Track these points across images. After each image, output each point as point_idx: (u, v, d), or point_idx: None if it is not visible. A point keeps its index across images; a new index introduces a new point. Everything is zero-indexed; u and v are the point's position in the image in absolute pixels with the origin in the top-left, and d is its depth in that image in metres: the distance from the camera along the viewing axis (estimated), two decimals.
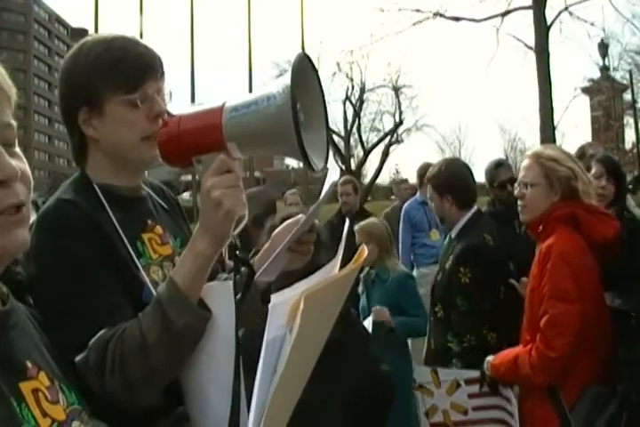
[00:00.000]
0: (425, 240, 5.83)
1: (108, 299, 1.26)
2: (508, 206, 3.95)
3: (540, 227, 2.51)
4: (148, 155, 1.34)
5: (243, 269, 1.32)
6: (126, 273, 1.32)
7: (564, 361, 2.30)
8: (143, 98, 1.36)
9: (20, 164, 0.85)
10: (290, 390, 0.97)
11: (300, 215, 1.46)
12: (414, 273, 5.39)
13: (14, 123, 0.87)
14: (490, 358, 2.60)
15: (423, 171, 5.94)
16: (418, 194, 6.06)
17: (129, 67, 1.35)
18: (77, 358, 1.18)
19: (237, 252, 1.32)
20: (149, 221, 1.45)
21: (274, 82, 1.15)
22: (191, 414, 1.28)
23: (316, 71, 1.19)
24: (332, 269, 1.22)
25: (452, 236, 3.28)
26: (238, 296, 1.24)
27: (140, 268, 1.35)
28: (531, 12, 11.67)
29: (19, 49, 73.46)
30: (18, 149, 0.88)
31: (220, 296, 1.23)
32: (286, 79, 1.11)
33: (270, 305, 0.99)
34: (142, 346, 1.18)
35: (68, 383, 0.99)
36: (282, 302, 1.01)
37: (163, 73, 1.42)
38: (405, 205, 6.16)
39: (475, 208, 3.33)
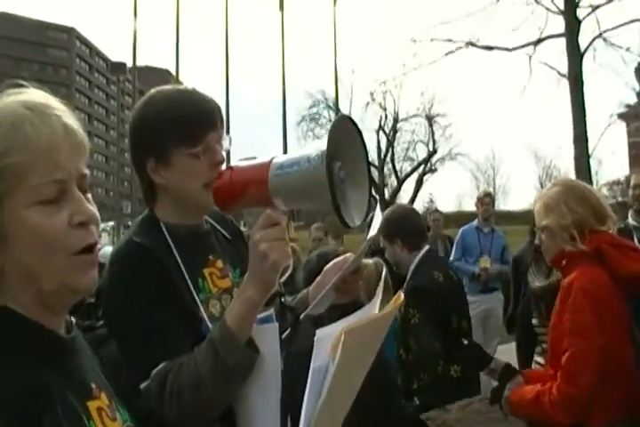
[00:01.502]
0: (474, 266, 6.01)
1: (169, 337, 1.40)
2: None
3: (564, 262, 2.47)
4: (209, 199, 1.43)
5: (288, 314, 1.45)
6: (187, 309, 1.46)
7: (586, 399, 2.25)
8: (205, 150, 1.48)
9: (93, 208, 0.97)
10: (332, 415, 1.06)
11: (349, 254, 1.57)
12: None
13: (88, 172, 0.98)
14: (507, 392, 2.54)
15: (481, 198, 6.39)
16: (476, 220, 6.37)
17: (191, 122, 1.48)
18: (142, 386, 1.33)
19: (282, 299, 1.45)
20: (211, 257, 1.58)
21: (313, 143, 1.27)
22: None
23: (358, 130, 1.28)
24: (372, 308, 1.31)
25: (407, 279, 3.34)
26: (284, 336, 1.38)
27: (200, 305, 1.48)
28: (563, 39, 11.64)
29: (61, 83, 75.80)
30: (90, 196, 0.99)
31: (267, 337, 1.37)
32: (323, 143, 1.20)
33: (316, 338, 1.08)
34: (196, 379, 1.31)
35: (121, 403, 1.09)
36: (327, 336, 1.09)
37: (222, 122, 1.55)
38: (462, 228, 6.47)
39: (425, 248, 3.41)
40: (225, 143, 1.54)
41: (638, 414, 2.29)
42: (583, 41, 11.64)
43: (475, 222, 6.36)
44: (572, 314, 2.33)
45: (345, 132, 1.26)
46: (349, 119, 1.28)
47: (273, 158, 1.29)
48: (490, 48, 13.77)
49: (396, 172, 31.81)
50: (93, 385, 1.00)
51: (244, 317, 1.32)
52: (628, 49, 13.19)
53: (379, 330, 1.19)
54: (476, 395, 3.20)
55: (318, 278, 1.63)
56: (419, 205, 34.18)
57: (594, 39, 12.13)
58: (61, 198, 0.92)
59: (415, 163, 31.90)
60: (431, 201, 35.66)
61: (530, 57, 13.60)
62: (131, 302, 1.41)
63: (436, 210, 7.95)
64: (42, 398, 0.87)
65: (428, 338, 3.01)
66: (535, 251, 3.45)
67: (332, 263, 1.61)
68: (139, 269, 1.43)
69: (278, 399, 1.31)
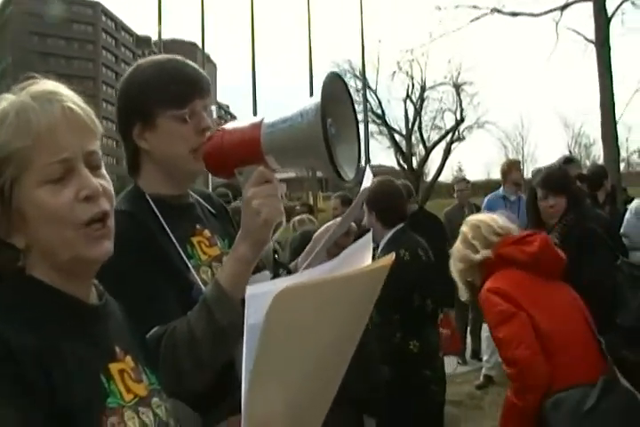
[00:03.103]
0: None
1: (159, 300, 1.40)
2: None
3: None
4: (195, 166, 1.46)
5: (282, 271, 1.44)
6: (178, 274, 1.46)
7: (535, 364, 2.39)
8: (191, 114, 1.49)
9: (104, 182, 1.05)
10: (274, 379, 0.95)
11: (338, 218, 1.54)
12: None
13: (99, 150, 1.06)
14: None
15: (505, 168, 6.29)
16: (501, 189, 6.27)
17: (179, 86, 1.50)
18: None
19: (276, 255, 1.45)
20: (198, 226, 1.58)
21: (306, 100, 1.25)
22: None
23: (346, 86, 1.30)
24: (340, 266, 1.17)
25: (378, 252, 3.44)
26: None
27: (192, 268, 1.48)
28: (590, 4, 11.40)
29: (88, 58, 76.06)
30: (103, 171, 1.06)
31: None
32: (317, 97, 1.20)
33: (247, 295, 0.98)
34: (190, 341, 1.31)
35: (150, 367, 1.15)
36: (263, 293, 0.95)
37: (209, 92, 1.56)
38: (487, 197, 6.40)
39: (399, 226, 3.52)
40: (213, 114, 1.55)
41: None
42: (611, 5, 11.40)
43: (500, 191, 6.28)
44: (487, 313, 2.60)
45: (335, 89, 1.27)
46: (339, 77, 1.29)
47: (264, 118, 1.30)
48: (515, 14, 13.50)
49: (423, 140, 31.53)
50: (117, 349, 1.07)
51: (237, 275, 1.32)
52: None
53: (352, 291, 1.01)
54: (437, 372, 3.45)
55: (309, 245, 1.61)
56: (447, 174, 33.98)
57: (622, 2, 11.84)
58: (68, 176, 1.00)
59: (443, 131, 31.54)
60: (460, 170, 35.39)
61: (556, 22, 13.35)
62: (120, 270, 1.35)
63: (463, 179, 7.83)
64: (53, 355, 0.93)
65: (384, 310, 3.09)
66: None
67: (323, 227, 1.59)
68: (125, 236, 1.36)
69: None
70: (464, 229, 2.82)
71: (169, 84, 1.50)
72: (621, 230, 4.30)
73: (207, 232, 1.59)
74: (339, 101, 1.29)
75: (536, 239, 2.68)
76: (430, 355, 3.41)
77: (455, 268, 2.80)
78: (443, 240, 5.20)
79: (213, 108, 1.58)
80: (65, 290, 1.03)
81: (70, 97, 1.03)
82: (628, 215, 4.42)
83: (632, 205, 4.49)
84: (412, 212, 5.50)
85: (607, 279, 3.23)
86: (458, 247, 2.80)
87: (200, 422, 1.32)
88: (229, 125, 1.39)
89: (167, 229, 1.49)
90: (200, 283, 1.46)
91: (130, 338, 1.15)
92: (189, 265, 1.48)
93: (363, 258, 1.18)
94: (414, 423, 3.26)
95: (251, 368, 0.90)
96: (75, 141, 1.01)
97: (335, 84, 1.28)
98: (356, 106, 1.25)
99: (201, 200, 1.69)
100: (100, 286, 1.14)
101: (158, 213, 1.50)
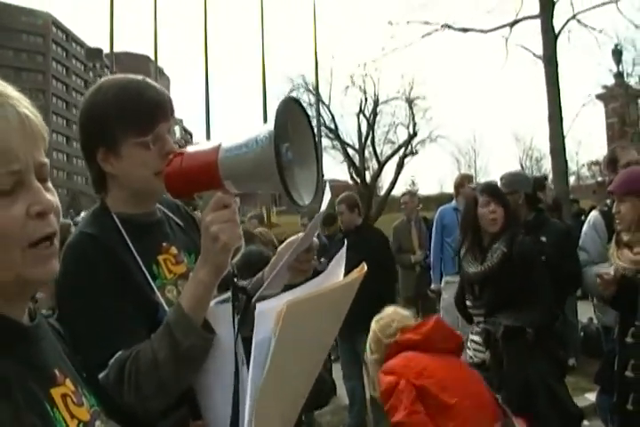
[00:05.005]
0: (451, 246, 6.05)
1: (124, 324, 1.40)
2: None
3: None
4: (160, 188, 1.45)
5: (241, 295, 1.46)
6: (143, 296, 1.47)
7: (415, 420, 2.52)
8: (155, 139, 1.50)
9: (53, 197, 0.98)
10: (278, 388, 1.03)
11: (300, 234, 1.56)
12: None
13: (47, 161, 0.98)
14: None
15: (458, 181, 6.47)
16: (454, 201, 6.43)
17: (141, 112, 1.49)
18: (100, 376, 1.33)
19: (235, 279, 1.48)
20: (164, 244, 1.60)
21: (262, 126, 1.26)
22: (204, 415, 1.43)
23: (304, 111, 1.32)
24: (326, 279, 1.29)
25: None
26: (237, 317, 1.39)
27: (156, 290, 1.50)
28: (539, 21, 11.71)
29: (38, 70, 74.69)
30: (50, 184, 0.99)
31: (221, 317, 1.39)
32: (270, 125, 1.22)
33: (256, 312, 1.06)
34: (154, 364, 1.32)
35: (87, 388, 1.10)
36: (268, 309, 1.07)
37: (172, 112, 1.57)
38: (441, 208, 6.59)
39: None
40: (177, 132, 1.58)
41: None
42: (558, 23, 11.73)
43: (453, 203, 6.43)
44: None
45: (291, 113, 1.29)
46: (294, 100, 1.31)
47: (221, 143, 1.31)
48: (466, 30, 13.77)
49: (376, 155, 31.76)
50: (57, 372, 1.01)
51: (198, 299, 1.35)
52: (601, 31, 13.30)
53: (333, 303, 1.16)
54: None
55: (273, 258, 1.63)
56: (401, 188, 34.32)
57: (568, 21, 12.21)
58: (18, 189, 0.92)
59: (396, 146, 31.82)
60: (413, 183, 35.80)
61: (506, 39, 13.67)
62: (84, 293, 1.41)
63: (408, 191, 7.96)
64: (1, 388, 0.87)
65: None
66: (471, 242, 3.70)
67: (285, 243, 1.61)
68: (90, 259, 1.43)
69: (232, 380, 1.32)
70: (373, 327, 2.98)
71: (132, 111, 1.49)
72: (579, 244, 4.06)
73: (174, 249, 1.61)
74: (296, 124, 1.31)
75: (430, 321, 2.86)
76: None
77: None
78: (384, 253, 5.36)
79: (176, 127, 1.59)
80: (1, 310, 0.96)
81: (21, 101, 0.96)
82: (585, 228, 4.08)
83: (590, 218, 4.10)
84: (355, 225, 5.57)
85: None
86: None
87: None
88: (188, 149, 1.40)
89: (133, 250, 1.49)
90: (164, 303, 1.48)
91: (65, 359, 1.09)
92: (154, 287, 1.50)
93: (338, 274, 1.27)
94: None
95: (261, 381, 0.94)
96: (28, 151, 0.93)
97: (291, 108, 1.29)
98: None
99: (169, 213, 1.70)
100: (31, 304, 1.06)
101: (125, 234, 1.51)
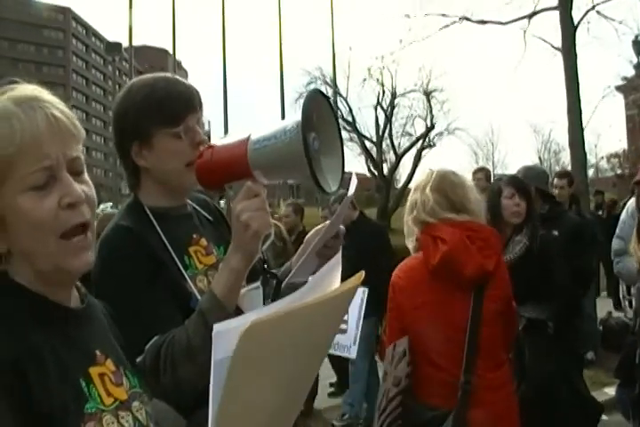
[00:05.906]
0: None
1: (159, 311, 1.47)
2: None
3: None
4: (190, 180, 1.51)
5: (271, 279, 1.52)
6: (176, 285, 1.54)
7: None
8: (186, 130, 1.58)
9: (87, 189, 1.06)
10: (245, 407, 0.95)
11: (327, 221, 1.62)
12: None
13: (81, 156, 1.07)
14: None
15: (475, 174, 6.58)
16: None
17: (171, 105, 1.58)
18: (137, 360, 1.37)
19: (266, 265, 1.54)
20: (195, 236, 1.67)
21: (288, 118, 1.33)
22: None
23: (329, 101, 1.38)
24: (315, 288, 1.10)
25: None
26: (269, 302, 1.45)
27: (188, 279, 1.56)
28: (557, 12, 11.61)
29: (58, 64, 75.30)
30: (86, 176, 1.07)
31: (253, 303, 1.45)
32: (298, 116, 1.28)
33: (214, 333, 0.98)
34: (189, 350, 1.37)
35: (132, 370, 1.16)
36: (227, 330, 0.97)
37: (201, 105, 1.65)
38: None
39: None
40: (206, 126, 1.62)
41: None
42: (577, 14, 11.62)
43: None
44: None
45: (317, 104, 1.34)
46: (320, 92, 1.37)
47: (250, 134, 1.37)
48: (484, 22, 13.70)
49: (394, 147, 31.58)
50: (98, 352, 1.08)
51: (230, 286, 1.39)
52: (621, 22, 13.17)
53: (324, 313, 1.00)
54: None
55: (301, 247, 1.68)
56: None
57: (587, 12, 12.10)
58: (51, 183, 1.01)
59: (413, 138, 31.58)
60: None
61: (524, 31, 13.57)
62: (120, 282, 1.48)
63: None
64: (31, 359, 0.94)
65: None
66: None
67: (313, 230, 1.67)
68: (126, 251, 1.51)
69: None
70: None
71: (162, 105, 1.57)
72: (617, 232, 4.19)
73: (204, 241, 1.67)
74: (322, 116, 1.36)
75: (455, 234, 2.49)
76: None
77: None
78: (381, 246, 5.38)
79: (208, 120, 1.66)
80: (46, 294, 1.04)
81: (53, 103, 1.04)
82: (623, 217, 4.21)
83: (628, 207, 4.24)
84: (352, 220, 5.58)
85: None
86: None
87: (183, 425, 1.35)
88: (219, 142, 1.46)
89: (165, 241, 1.56)
90: (196, 292, 1.54)
91: (112, 341, 1.16)
92: (186, 276, 1.56)
93: (332, 280, 1.18)
94: None
95: (218, 403, 0.90)
96: (58, 148, 1.01)
97: (318, 99, 1.35)
98: None
99: (198, 208, 1.77)
100: (83, 289, 1.15)
101: (157, 227, 1.58)
